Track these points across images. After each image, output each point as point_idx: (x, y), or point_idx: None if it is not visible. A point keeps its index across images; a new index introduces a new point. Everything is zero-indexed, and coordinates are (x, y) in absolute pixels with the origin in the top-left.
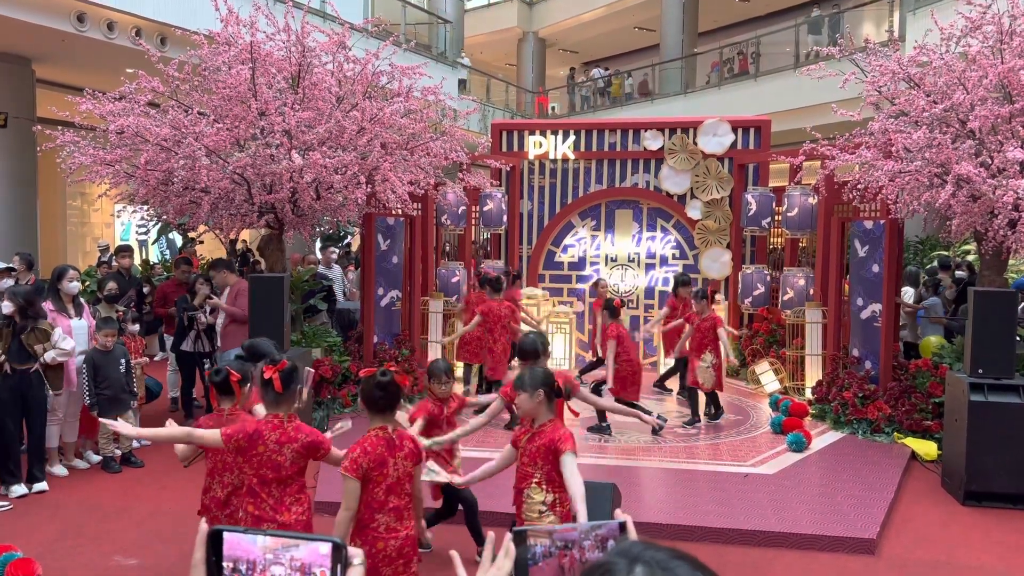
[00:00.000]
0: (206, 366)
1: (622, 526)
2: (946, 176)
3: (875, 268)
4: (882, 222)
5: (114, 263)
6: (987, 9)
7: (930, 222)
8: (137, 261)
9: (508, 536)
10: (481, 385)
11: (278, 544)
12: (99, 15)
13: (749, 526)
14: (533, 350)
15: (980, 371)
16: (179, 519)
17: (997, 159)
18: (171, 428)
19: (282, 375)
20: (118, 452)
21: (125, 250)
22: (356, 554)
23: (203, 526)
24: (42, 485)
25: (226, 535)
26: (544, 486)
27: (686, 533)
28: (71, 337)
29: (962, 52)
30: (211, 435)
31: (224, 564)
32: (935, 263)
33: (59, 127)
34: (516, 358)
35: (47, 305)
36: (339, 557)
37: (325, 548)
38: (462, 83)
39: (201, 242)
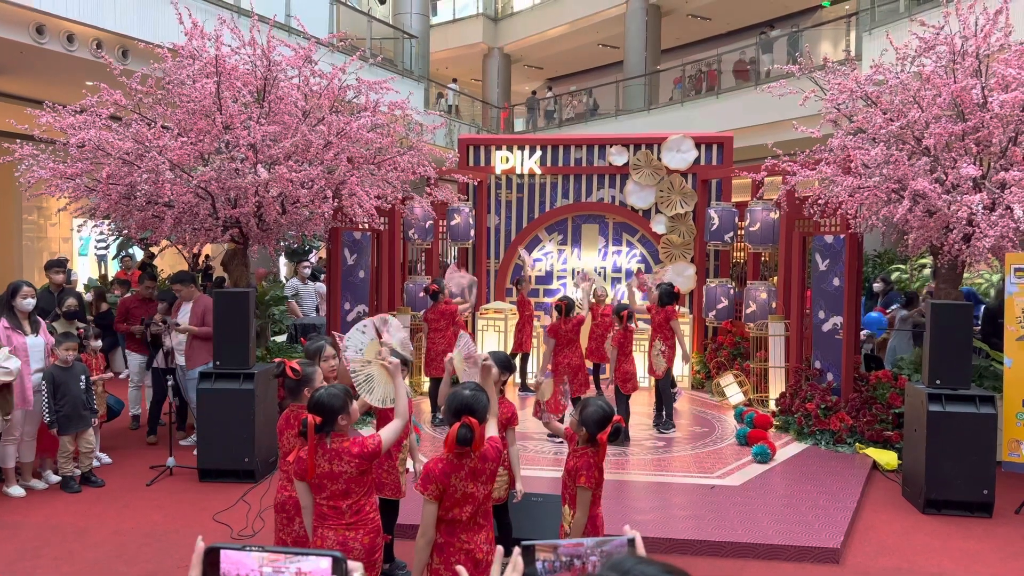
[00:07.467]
0: (169, 382)
1: (631, 542)
2: (903, 192)
3: (836, 281)
4: (842, 236)
5: (55, 278)
6: (940, 30)
7: (888, 236)
8: (96, 276)
9: (516, 550)
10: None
11: (278, 558)
12: (59, 27)
13: (716, 537)
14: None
15: (938, 382)
16: (140, 539)
17: (951, 175)
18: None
19: None
20: (78, 472)
21: (57, 265)
22: (356, 568)
23: (199, 543)
24: None
25: (223, 552)
26: (571, 506)
27: (654, 545)
28: (26, 354)
29: (916, 71)
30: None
31: None
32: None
33: (17, 140)
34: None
35: (1, 322)
36: (339, 570)
37: (325, 563)
38: (452, 108)
39: (158, 256)
